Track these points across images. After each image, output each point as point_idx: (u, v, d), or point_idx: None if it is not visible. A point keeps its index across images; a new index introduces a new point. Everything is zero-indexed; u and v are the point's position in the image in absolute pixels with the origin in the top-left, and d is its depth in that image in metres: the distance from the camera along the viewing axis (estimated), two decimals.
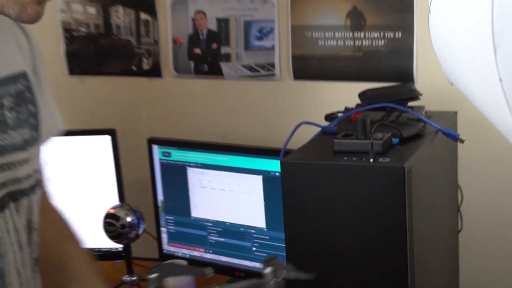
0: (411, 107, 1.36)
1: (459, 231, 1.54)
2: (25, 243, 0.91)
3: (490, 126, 0.75)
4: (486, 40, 0.57)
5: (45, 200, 1.01)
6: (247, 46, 1.79)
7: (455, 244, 1.57)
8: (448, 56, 0.74)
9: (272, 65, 1.75)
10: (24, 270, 0.91)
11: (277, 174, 1.53)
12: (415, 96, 1.37)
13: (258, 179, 1.56)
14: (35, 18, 0.76)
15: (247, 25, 1.78)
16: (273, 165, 1.51)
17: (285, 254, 1.23)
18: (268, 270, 0.83)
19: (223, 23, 1.80)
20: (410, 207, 1.12)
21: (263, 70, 1.75)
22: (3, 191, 0.83)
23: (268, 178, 1.54)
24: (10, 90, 0.87)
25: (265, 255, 1.63)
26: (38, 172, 0.96)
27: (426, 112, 1.36)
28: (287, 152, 1.23)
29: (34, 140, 0.91)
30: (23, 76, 0.90)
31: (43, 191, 1.01)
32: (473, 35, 0.62)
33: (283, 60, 1.74)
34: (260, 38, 1.76)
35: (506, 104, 0.56)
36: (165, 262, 1.15)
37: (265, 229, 1.56)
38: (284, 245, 1.25)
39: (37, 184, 0.95)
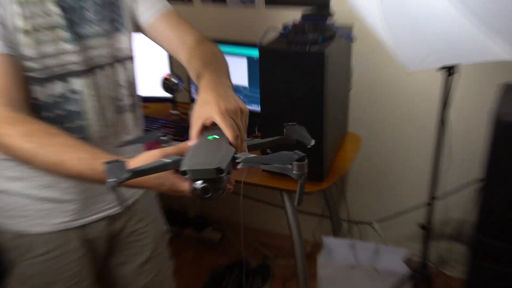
0: (328, 21, 1.67)
1: (349, 90, 2.04)
2: (107, 95, 1.01)
3: (368, 31, 1.33)
4: None
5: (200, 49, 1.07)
6: None
7: (347, 96, 2.04)
8: None
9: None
10: (106, 112, 1.02)
11: (255, 58, 1.91)
12: (330, 14, 1.74)
13: (245, 59, 2.03)
14: None
15: None
16: (255, 52, 1.89)
17: (259, 104, 1.62)
18: (287, 130, 0.85)
19: None
20: (325, 75, 1.47)
21: (249, 2, 2.22)
22: (86, 63, 0.95)
23: (250, 60, 2.01)
24: (95, 0, 0.97)
25: (246, 100, 2.03)
26: (124, 50, 1.04)
27: (336, 24, 1.70)
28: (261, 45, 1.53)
29: (116, 30, 1.03)
30: None
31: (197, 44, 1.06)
32: None
33: None
34: None
35: (378, 11, 1.15)
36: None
37: (247, 87, 2.06)
38: (259, 97, 1.62)
39: (127, 58, 1.06)
